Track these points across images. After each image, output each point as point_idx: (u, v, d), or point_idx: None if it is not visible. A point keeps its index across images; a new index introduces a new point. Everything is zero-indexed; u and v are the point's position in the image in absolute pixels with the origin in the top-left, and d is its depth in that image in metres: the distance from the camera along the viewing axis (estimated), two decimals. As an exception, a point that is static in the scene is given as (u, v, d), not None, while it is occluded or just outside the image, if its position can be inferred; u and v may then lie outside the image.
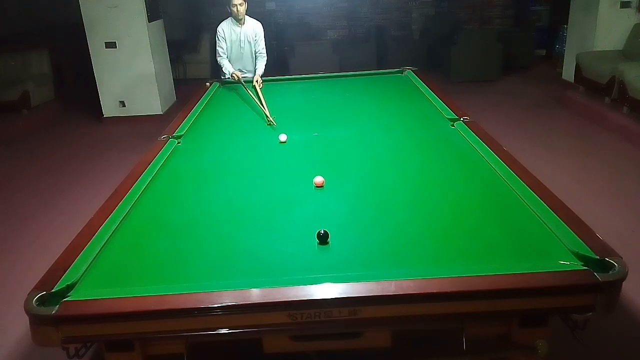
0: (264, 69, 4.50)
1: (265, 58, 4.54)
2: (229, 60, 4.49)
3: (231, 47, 4.48)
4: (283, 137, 2.98)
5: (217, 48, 4.48)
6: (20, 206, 4.35)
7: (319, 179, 2.31)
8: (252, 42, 4.48)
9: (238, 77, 4.30)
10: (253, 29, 4.48)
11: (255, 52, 4.51)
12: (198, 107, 3.78)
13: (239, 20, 4.38)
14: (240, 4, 4.26)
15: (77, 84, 8.11)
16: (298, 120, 3.42)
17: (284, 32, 9.19)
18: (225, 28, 4.43)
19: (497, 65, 7.64)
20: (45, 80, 7.41)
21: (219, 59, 4.48)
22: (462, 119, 3.03)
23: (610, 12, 6.14)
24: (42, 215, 4.14)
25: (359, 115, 3.52)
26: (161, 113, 6.62)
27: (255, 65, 4.52)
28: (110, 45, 6.31)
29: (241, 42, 4.45)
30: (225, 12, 4.43)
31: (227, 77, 4.47)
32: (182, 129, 3.24)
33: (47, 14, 8.95)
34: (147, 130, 5.52)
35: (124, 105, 6.62)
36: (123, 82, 6.50)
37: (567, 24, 7.03)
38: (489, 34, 7.81)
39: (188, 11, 9.66)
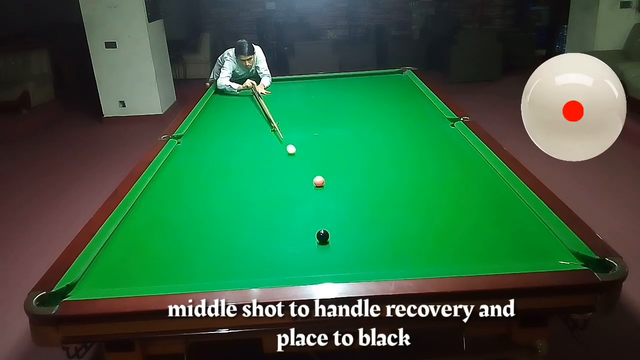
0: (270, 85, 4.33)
1: (270, 78, 4.36)
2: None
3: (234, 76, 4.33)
4: (292, 149, 2.76)
5: (222, 72, 4.21)
6: (20, 206, 4.35)
7: (319, 179, 2.31)
8: (254, 68, 4.37)
9: (252, 84, 4.08)
10: (255, 59, 4.34)
11: (259, 74, 4.38)
12: (198, 107, 3.77)
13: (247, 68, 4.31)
14: (249, 59, 4.19)
15: (77, 84, 8.11)
16: (298, 120, 3.41)
17: (284, 32, 9.18)
18: (234, 63, 4.24)
19: (497, 65, 7.63)
20: (45, 80, 7.41)
21: (223, 81, 4.18)
22: (462, 119, 3.03)
23: (610, 12, 6.14)
24: (42, 215, 4.14)
25: (359, 115, 3.51)
26: (161, 113, 6.62)
27: (260, 81, 4.33)
28: (110, 45, 6.31)
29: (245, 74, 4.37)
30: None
31: (235, 91, 4.19)
32: (182, 129, 3.24)
33: (47, 14, 8.95)
34: (147, 130, 5.52)
35: (124, 105, 6.62)
36: (123, 82, 6.49)
37: (567, 24, 7.03)
38: (489, 34, 7.80)
39: (188, 11, 9.66)
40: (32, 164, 5.40)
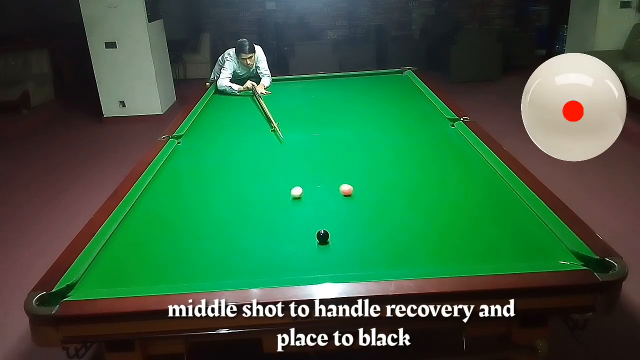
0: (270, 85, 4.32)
1: (270, 78, 4.35)
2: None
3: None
4: (297, 191, 2.23)
5: (223, 72, 4.19)
6: (20, 206, 4.35)
7: (346, 187, 2.21)
8: (255, 68, 4.35)
9: (252, 85, 4.09)
10: (256, 58, 4.31)
11: (259, 74, 4.36)
12: (198, 107, 3.77)
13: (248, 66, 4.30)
14: (249, 57, 4.18)
15: (77, 84, 8.11)
16: (298, 120, 3.41)
17: (284, 32, 9.18)
18: (235, 64, 4.23)
19: (497, 65, 7.63)
20: (45, 80, 7.41)
21: (224, 81, 4.16)
22: (462, 119, 3.03)
23: (610, 12, 6.14)
24: (42, 215, 4.14)
25: (359, 115, 3.51)
26: (161, 113, 6.62)
27: (260, 81, 4.32)
28: (110, 45, 6.31)
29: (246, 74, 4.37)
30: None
31: (235, 92, 4.17)
32: (182, 129, 3.24)
33: (47, 14, 8.96)
34: (147, 130, 5.52)
35: (124, 105, 6.62)
36: (123, 82, 6.49)
37: (567, 24, 7.03)
38: (489, 34, 7.80)
39: (188, 11, 9.66)
40: (32, 164, 5.40)
